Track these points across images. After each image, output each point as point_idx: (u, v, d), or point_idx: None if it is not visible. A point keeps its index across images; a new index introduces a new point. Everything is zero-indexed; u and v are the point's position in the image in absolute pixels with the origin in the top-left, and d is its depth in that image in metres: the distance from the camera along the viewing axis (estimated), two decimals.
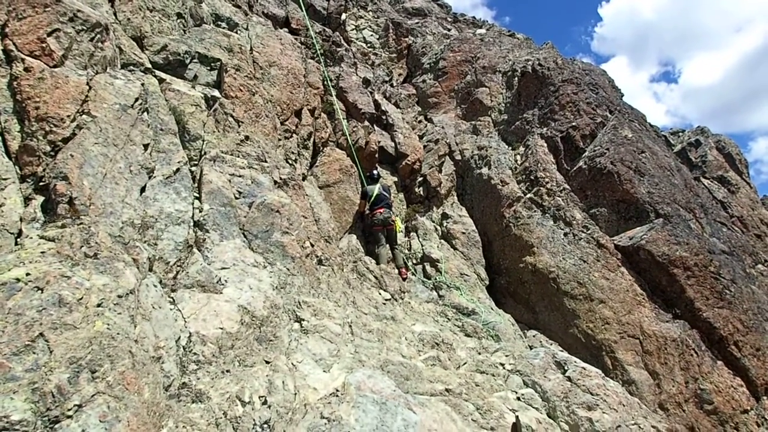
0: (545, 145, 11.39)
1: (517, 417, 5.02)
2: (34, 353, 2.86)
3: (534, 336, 9.20)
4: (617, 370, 8.44)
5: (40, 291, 3.16)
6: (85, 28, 5.20)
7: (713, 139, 19.09)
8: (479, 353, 6.93)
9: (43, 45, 4.76)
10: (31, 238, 3.78)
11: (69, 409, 2.75)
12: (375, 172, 10.09)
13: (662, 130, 19.84)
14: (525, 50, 15.22)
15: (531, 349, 7.98)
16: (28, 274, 3.24)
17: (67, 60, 4.96)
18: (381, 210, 9.38)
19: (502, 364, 6.52)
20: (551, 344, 8.93)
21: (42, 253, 3.52)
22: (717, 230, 10.99)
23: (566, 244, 9.83)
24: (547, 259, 9.81)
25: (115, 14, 6.58)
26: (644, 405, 6.96)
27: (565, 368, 6.26)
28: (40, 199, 4.18)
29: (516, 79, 13.45)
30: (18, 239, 3.79)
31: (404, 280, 9.05)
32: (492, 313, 9.06)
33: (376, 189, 9.59)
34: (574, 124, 11.27)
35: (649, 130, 13.81)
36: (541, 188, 10.64)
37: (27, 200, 4.14)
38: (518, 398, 5.65)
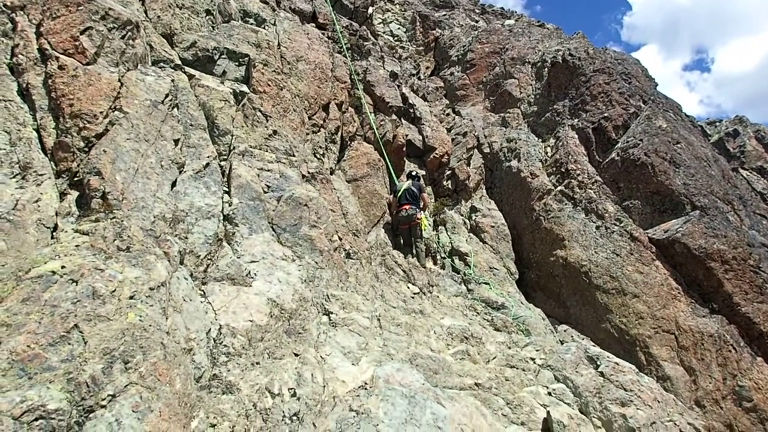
0: (576, 136, 11.16)
1: (548, 412, 4.96)
2: (69, 344, 2.93)
3: (565, 331, 9.05)
4: (651, 366, 8.24)
5: (74, 283, 3.23)
6: (116, 26, 5.29)
7: (752, 129, 18.49)
8: (509, 348, 6.86)
9: (77, 43, 4.86)
10: (66, 231, 3.87)
11: (103, 399, 2.81)
12: (413, 171, 10.17)
13: (698, 120, 19.29)
14: (555, 40, 14.93)
15: (562, 344, 7.85)
16: (63, 267, 3.31)
17: (100, 57, 5.06)
18: (406, 207, 9.31)
19: (533, 359, 6.44)
20: (583, 339, 8.77)
21: (77, 246, 3.61)
22: (756, 222, 10.63)
23: (598, 237, 9.64)
24: (578, 252, 9.63)
25: (145, 12, 6.69)
26: (680, 401, 6.79)
27: (598, 363, 6.15)
28: (75, 193, 4.27)
29: (546, 69, 13.20)
30: (53, 233, 3.88)
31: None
32: (522, 307, 8.94)
33: (404, 185, 9.53)
34: (606, 114, 11.02)
35: (685, 120, 13.41)
36: (572, 180, 10.44)
37: (62, 195, 4.24)
38: (549, 393, 5.57)
